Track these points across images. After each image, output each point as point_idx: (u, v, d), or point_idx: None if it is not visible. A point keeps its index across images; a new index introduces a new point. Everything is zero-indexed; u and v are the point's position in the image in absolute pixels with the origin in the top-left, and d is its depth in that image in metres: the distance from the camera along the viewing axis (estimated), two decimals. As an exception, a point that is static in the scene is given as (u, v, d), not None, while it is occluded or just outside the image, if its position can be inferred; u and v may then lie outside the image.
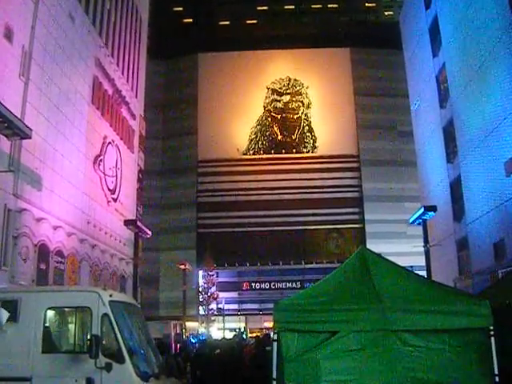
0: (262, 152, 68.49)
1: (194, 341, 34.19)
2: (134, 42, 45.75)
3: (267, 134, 69.08)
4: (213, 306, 55.30)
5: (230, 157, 67.39)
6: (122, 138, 40.74)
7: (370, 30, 67.55)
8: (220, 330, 52.68)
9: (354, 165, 67.20)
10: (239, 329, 54.29)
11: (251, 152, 68.52)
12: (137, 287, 30.30)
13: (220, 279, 60.14)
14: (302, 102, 69.45)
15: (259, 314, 59.49)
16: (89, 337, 9.46)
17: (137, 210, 44.69)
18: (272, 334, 9.20)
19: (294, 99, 69.54)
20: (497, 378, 8.08)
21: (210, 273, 56.73)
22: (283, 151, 68.07)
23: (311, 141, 68.56)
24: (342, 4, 71.00)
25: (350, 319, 8.45)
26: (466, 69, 31.98)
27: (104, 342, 9.67)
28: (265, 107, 69.59)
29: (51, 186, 27.95)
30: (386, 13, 70.67)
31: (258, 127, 69.18)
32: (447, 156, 36.48)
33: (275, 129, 69.21)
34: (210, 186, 66.38)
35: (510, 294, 8.45)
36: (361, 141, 67.14)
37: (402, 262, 11.45)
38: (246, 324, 60.01)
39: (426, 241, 26.83)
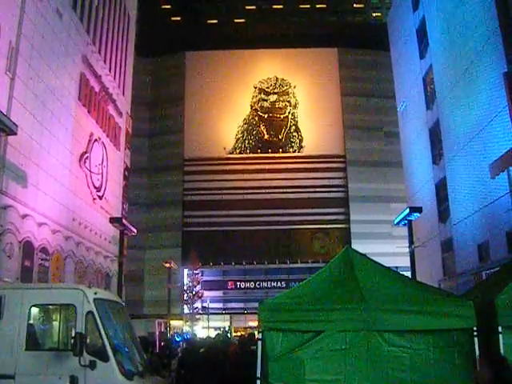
0: (248, 151, 68.50)
1: (178, 339, 34.16)
2: (121, 40, 45.61)
3: (254, 133, 69.09)
4: (197, 304, 55.30)
5: (217, 155, 67.36)
6: (108, 136, 40.61)
7: (357, 30, 67.81)
8: (205, 329, 52.66)
9: (340, 165, 67.33)
10: (223, 328, 54.32)
11: (238, 151, 68.52)
12: (121, 285, 30.14)
13: (205, 278, 60.08)
14: (289, 101, 69.51)
15: (244, 313, 59.57)
16: (73, 334, 9.42)
17: (122, 207, 44.56)
18: (257, 333, 9.22)
19: (281, 99, 69.59)
20: (480, 379, 8.15)
21: (195, 271, 56.69)
22: (269, 151, 68.11)
23: (298, 140, 68.65)
24: (330, 4, 71.23)
25: (334, 319, 8.48)
26: (452, 71, 32.12)
27: (88, 340, 9.64)
28: (252, 106, 69.60)
29: (36, 183, 27.82)
30: (374, 14, 71.00)
31: (245, 126, 69.18)
32: (433, 157, 36.62)
33: (262, 128, 69.22)
34: (196, 184, 66.29)
35: (494, 295, 8.51)
36: (347, 141, 67.30)
37: (387, 262, 11.52)
38: (230, 323, 60.03)
39: (410, 242, 26.88)
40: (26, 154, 26.54)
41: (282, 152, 68.13)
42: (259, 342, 8.66)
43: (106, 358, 9.45)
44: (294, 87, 69.59)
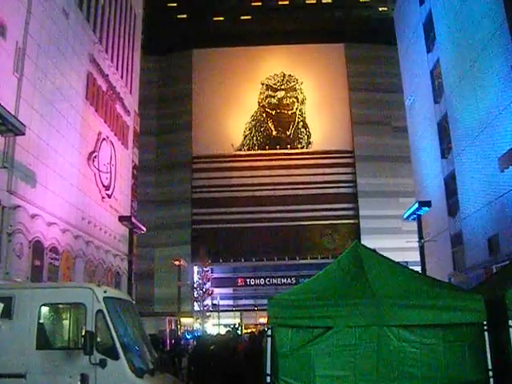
0: (256, 148, 68.47)
1: (188, 337, 34.25)
2: (128, 38, 45.64)
3: (262, 129, 69.05)
4: (208, 301, 55.31)
5: (225, 153, 67.37)
6: (116, 134, 40.68)
7: (364, 25, 67.49)
8: (215, 326, 52.70)
9: (349, 160, 67.19)
10: (234, 325, 54.34)
11: (246, 148, 68.51)
12: (131, 283, 30.26)
13: (215, 275, 60.15)
14: (296, 97, 69.44)
15: (254, 309, 59.59)
16: (83, 333, 9.44)
17: (131, 206, 44.65)
18: (266, 329, 9.21)
19: (288, 95, 69.54)
20: (490, 373, 8.12)
21: (205, 269, 56.68)
22: (278, 147, 68.06)
23: (306, 136, 68.57)
24: (337, -1, 70.90)
25: (344, 314, 8.47)
26: (460, 64, 32.00)
27: (98, 339, 9.64)
28: (259, 103, 69.56)
29: (45, 183, 27.90)
30: (381, 8, 70.48)
31: (253, 123, 69.15)
32: (441, 151, 36.52)
33: (270, 124, 69.18)
34: (205, 181, 66.33)
35: (504, 289, 8.47)
36: (355, 136, 67.13)
37: (397, 257, 11.51)
38: (241, 320, 60.01)
39: (420, 236, 26.85)
40: (35, 154, 26.62)
41: (290, 148, 68.04)
42: (268, 339, 8.65)
43: (116, 356, 9.45)
44: (302, 83, 69.51)
